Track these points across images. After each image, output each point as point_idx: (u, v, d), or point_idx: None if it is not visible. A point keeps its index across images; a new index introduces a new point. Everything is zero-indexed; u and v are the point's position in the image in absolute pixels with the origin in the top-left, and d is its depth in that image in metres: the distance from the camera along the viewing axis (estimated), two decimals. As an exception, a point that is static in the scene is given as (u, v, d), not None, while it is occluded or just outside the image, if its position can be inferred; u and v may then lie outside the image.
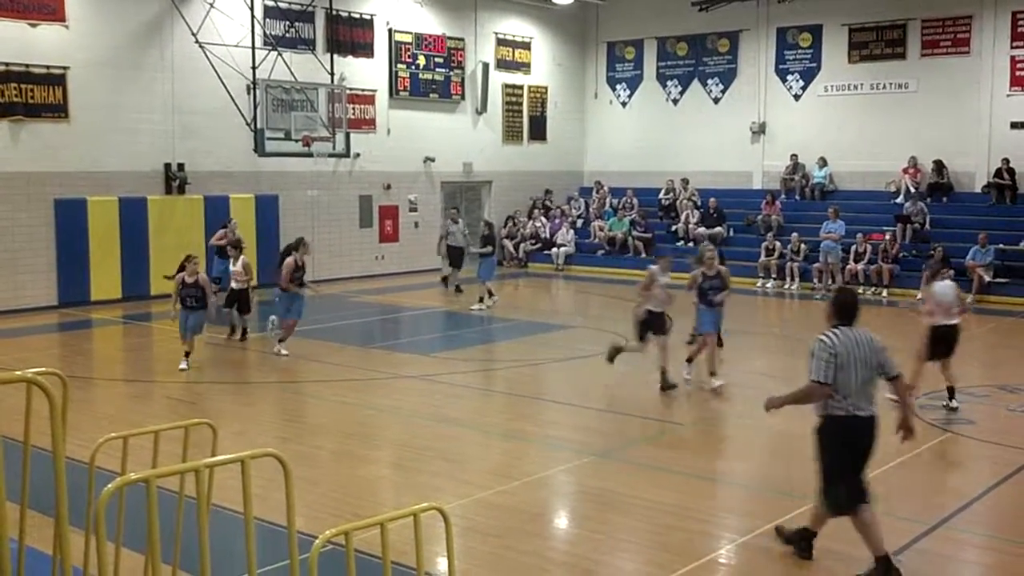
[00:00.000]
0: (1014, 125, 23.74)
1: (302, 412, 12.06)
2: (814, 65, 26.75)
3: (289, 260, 14.83)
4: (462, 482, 9.00)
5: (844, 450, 6.70)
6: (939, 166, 24.47)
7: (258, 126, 20.81)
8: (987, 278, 21.20)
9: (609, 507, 8.32)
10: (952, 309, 11.31)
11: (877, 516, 6.75)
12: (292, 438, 10.57)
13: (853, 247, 22.96)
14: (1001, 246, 21.69)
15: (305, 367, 14.39)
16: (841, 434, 6.68)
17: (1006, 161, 23.57)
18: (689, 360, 13.22)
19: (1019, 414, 11.59)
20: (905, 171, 24.78)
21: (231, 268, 16.17)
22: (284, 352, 14.83)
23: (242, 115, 21.04)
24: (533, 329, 18.11)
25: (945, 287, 11.39)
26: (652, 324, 12.65)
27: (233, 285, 16.09)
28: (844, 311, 6.78)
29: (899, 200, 24.43)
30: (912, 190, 24.42)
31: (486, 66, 27.81)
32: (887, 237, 22.86)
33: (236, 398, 12.85)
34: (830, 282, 22.43)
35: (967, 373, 14.09)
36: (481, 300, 19.98)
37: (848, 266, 22.76)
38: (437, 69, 26.74)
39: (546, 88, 29.97)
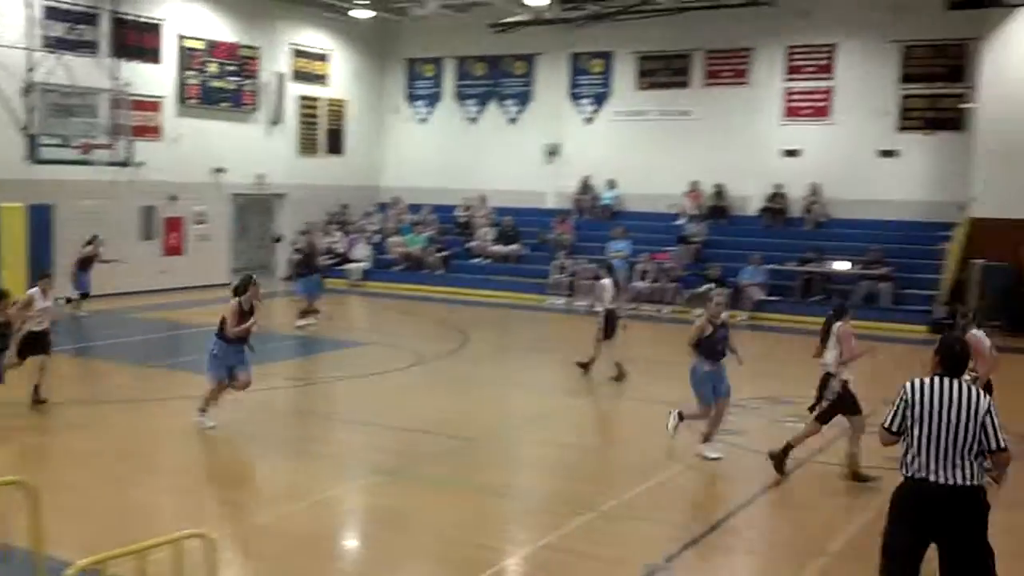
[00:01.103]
0: (786, 153, 25.37)
1: (72, 437, 11.38)
2: (605, 90, 27.72)
3: (233, 304, 11.57)
4: (239, 506, 8.75)
5: (901, 521, 5.69)
6: (719, 190, 25.85)
7: (32, 132, 19.62)
8: (760, 296, 22.50)
9: (394, 525, 8.29)
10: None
11: None
12: (56, 464, 9.97)
13: (637, 266, 23.91)
14: (773, 266, 23.08)
15: (79, 388, 13.62)
16: (901, 500, 5.74)
17: (779, 187, 25.15)
18: (707, 438, 10.66)
19: (783, 425, 12.31)
20: (687, 194, 26.00)
21: (40, 304, 12.41)
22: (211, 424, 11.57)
23: (15, 120, 19.78)
24: (327, 346, 17.85)
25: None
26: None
27: (34, 327, 12.35)
28: (948, 361, 5.80)
29: (681, 222, 25.60)
30: (693, 212, 25.64)
31: (281, 76, 27.30)
32: (669, 256, 23.95)
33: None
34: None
35: (738, 387, 14.90)
36: (304, 315, 19.38)
37: (631, 284, 23.67)
38: (229, 77, 26.01)
39: (344, 101, 29.71)
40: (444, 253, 26.93)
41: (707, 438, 10.53)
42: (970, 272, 21.35)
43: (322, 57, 28.96)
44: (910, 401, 5.67)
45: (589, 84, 27.96)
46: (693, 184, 26.01)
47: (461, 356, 16.99)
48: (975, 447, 5.52)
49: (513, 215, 27.24)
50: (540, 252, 26.22)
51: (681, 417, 10.76)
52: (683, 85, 26.61)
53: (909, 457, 5.66)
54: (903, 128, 24.01)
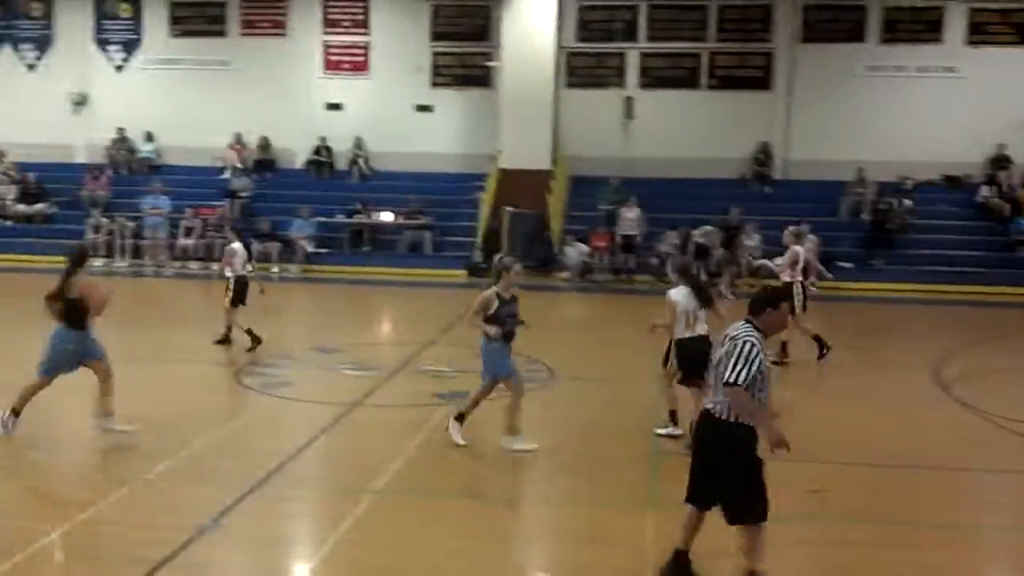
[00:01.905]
0: (329, 106, 25.59)
1: None
2: (136, 37, 26.09)
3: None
4: None
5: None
6: (264, 143, 25.50)
7: None
8: (309, 248, 22.63)
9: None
10: None
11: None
12: None
13: (182, 222, 23.00)
14: (322, 219, 23.30)
15: None
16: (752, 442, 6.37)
17: (323, 140, 25.34)
18: (512, 431, 9.36)
19: (335, 372, 12.55)
20: (231, 147, 25.36)
21: None
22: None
23: None
24: None
25: None
26: None
27: None
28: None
29: (227, 176, 24.94)
30: (239, 166, 25.08)
31: None
32: (217, 212, 23.29)
33: None
34: (161, 258, 22.45)
35: (289, 337, 14.95)
36: None
37: (178, 241, 22.76)
38: None
39: None
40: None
41: (512, 429, 9.29)
42: (501, 219, 23.05)
43: None
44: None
45: (117, 29, 26.16)
46: (237, 137, 25.42)
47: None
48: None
49: (39, 171, 24.88)
50: (72, 211, 24.23)
51: (461, 419, 9.42)
52: (220, 34, 25.80)
53: (726, 391, 6.06)
54: (437, 84, 25.22)
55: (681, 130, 24.13)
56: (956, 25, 23.49)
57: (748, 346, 5.99)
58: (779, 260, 13.81)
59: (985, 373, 13.21)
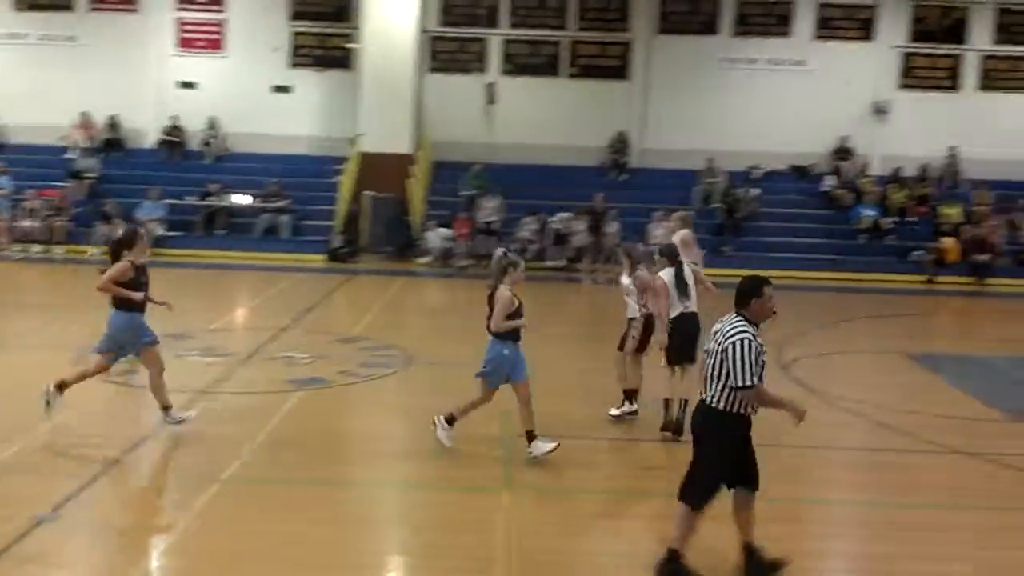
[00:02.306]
0: (182, 85, 24.80)
1: None
2: (-25, 9, 24.70)
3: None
4: None
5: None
6: (112, 122, 24.52)
7: None
8: (159, 232, 21.87)
9: None
10: None
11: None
12: None
13: (25, 203, 21.94)
14: (173, 201, 22.57)
15: None
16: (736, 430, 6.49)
17: (176, 119, 24.54)
18: (166, 410, 9.05)
19: (185, 359, 12.19)
20: (77, 126, 24.28)
21: None
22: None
23: None
24: None
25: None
26: None
27: None
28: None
29: (72, 155, 23.88)
30: (85, 146, 24.06)
31: None
32: (60, 193, 22.31)
33: None
34: (2, 240, 21.37)
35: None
36: None
37: (19, 223, 21.70)
38: None
39: None
40: None
41: (452, 420, 8.90)
42: (361, 203, 22.83)
43: None
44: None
45: (-45, 1, 24.69)
46: (84, 115, 24.35)
47: None
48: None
49: None
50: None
51: (451, 422, 8.92)
52: (68, 8, 24.67)
53: (743, 394, 6.14)
54: (295, 64, 24.74)
55: (543, 117, 24.35)
56: (805, 19, 24.41)
57: (746, 344, 6.08)
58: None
59: (826, 356, 13.79)
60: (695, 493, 6.33)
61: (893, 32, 24.30)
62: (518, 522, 7.46)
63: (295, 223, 22.69)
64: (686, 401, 9.11)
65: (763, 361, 6.20)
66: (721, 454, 6.29)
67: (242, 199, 22.82)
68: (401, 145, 23.27)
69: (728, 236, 22.32)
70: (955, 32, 24.33)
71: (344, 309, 17.71)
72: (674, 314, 9.51)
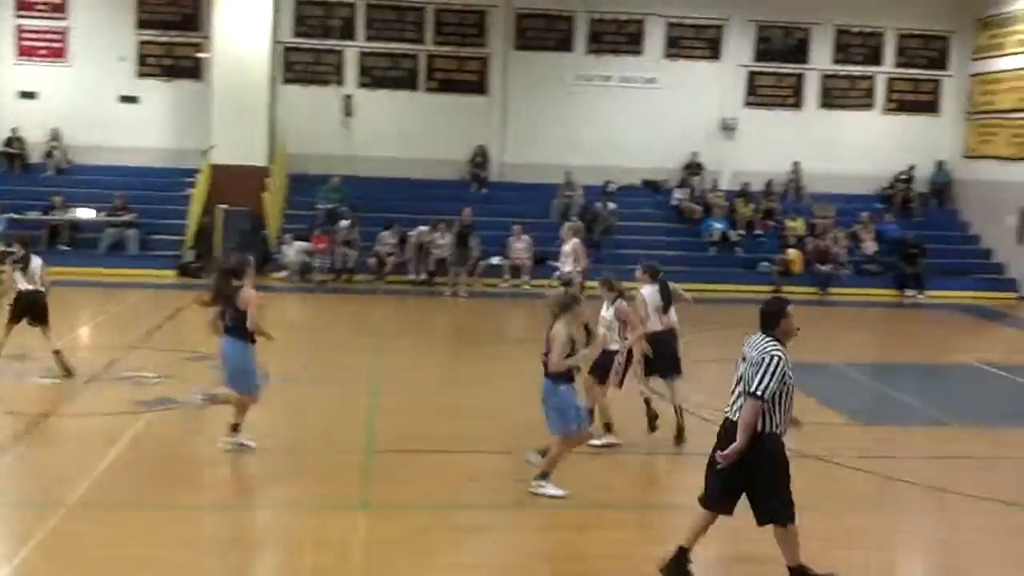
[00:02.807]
0: (22, 94, 23.66)
1: None
2: None
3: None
4: None
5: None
6: (-58, 133, 23.22)
7: None
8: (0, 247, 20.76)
9: None
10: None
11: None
12: None
13: None
14: (13, 215, 21.47)
15: None
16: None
17: (16, 130, 23.39)
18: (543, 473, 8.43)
19: (27, 382, 11.57)
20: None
21: None
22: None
23: None
24: None
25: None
26: None
27: None
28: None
29: None
30: None
31: None
32: None
33: None
34: None
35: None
36: None
37: None
38: None
39: None
40: None
41: (543, 473, 8.36)
42: (214, 217, 22.22)
43: None
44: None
45: None
46: (-88, 125, 22.96)
47: None
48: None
49: None
50: None
51: (545, 477, 8.34)
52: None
53: (778, 417, 6.47)
54: (143, 74, 23.90)
55: (402, 131, 24.23)
56: (655, 38, 25.05)
57: (777, 360, 6.33)
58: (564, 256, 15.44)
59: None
60: (781, 509, 6.51)
61: (739, 51, 25.20)
62: (375, 540, 7.36)
63: (143, 237, 21.88)
64: (681, 407, 10.04)
65: (787, 384, 6.45)
66: (780, 466, 6.51)
67: (86, 213, 21.90)
68: (255, 157, 22.77)
69: (587, 249, 22.59)
70: (798, 52, 25.43)
71: (195, 326, 16.99)
72: (654, 330, 9.92)
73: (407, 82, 24.58)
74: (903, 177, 25.13)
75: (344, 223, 21.75)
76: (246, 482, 8.77)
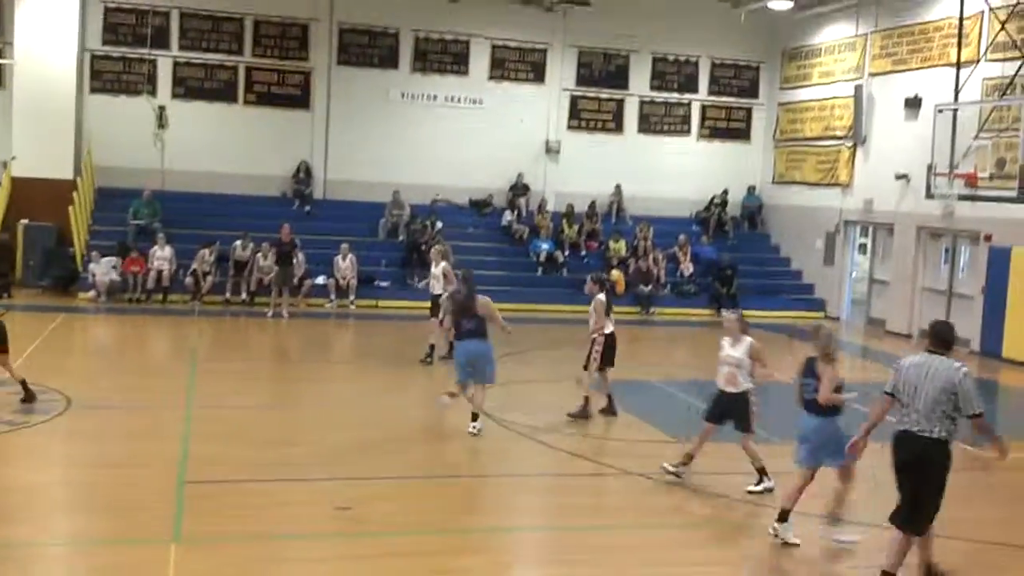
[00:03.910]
0: None
1: None
2: None
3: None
4: None
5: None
6: None
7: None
8: None
9: None
10: None
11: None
12: None
13: None
14: None
15: None
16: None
17: None
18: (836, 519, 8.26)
19: None
20: None
21: None
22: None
23: None
24: None
25: None
26: None
27: None
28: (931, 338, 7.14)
29: None
30: None
31: None
32: None
33: None
34: None
35: None
36: None
37: None
38: None
39: None
40: None
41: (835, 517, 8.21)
42: (15, 233, 20.81)
43: None
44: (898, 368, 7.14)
45: None
46: None
47: None
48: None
49: None
50: None
51: (784, 518, 8.04)
52: None
53: (977, 421, 6.99)
54: (-67, 80, 22.17)
55: (220, 144, 23.35)
56: (480, 60, 25.12)
57: (972, 379, 6.91)
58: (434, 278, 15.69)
59: (504, 385, 13.99)
60: (922, 520, 6.91)
61: (562, 75, 25.59)
62: (187, 573, 6.88)
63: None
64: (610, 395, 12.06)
65: None
66: (944, 482, 6.88)
67: None
68: (61, 170, 21.46)
69: (414, 268, 22.31)
70: (618, 78, 26.03)
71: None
72: (608, 330, 11.97)
73: (225, 94, 23.72)
74: (717, 201, 26.03)
75: (160, 239, 20.67)
76: (52, 515, 8.07)
